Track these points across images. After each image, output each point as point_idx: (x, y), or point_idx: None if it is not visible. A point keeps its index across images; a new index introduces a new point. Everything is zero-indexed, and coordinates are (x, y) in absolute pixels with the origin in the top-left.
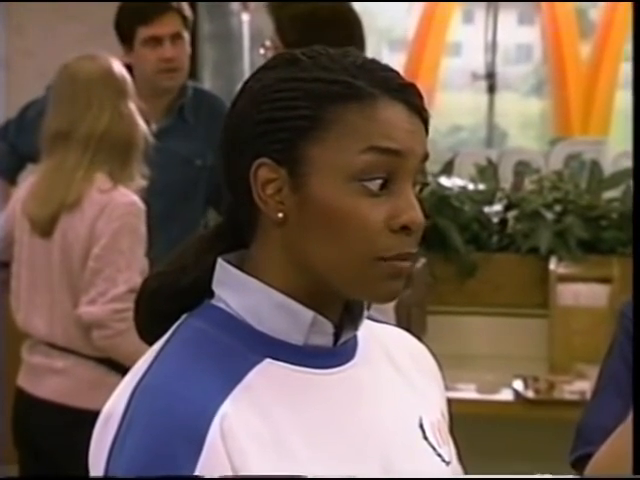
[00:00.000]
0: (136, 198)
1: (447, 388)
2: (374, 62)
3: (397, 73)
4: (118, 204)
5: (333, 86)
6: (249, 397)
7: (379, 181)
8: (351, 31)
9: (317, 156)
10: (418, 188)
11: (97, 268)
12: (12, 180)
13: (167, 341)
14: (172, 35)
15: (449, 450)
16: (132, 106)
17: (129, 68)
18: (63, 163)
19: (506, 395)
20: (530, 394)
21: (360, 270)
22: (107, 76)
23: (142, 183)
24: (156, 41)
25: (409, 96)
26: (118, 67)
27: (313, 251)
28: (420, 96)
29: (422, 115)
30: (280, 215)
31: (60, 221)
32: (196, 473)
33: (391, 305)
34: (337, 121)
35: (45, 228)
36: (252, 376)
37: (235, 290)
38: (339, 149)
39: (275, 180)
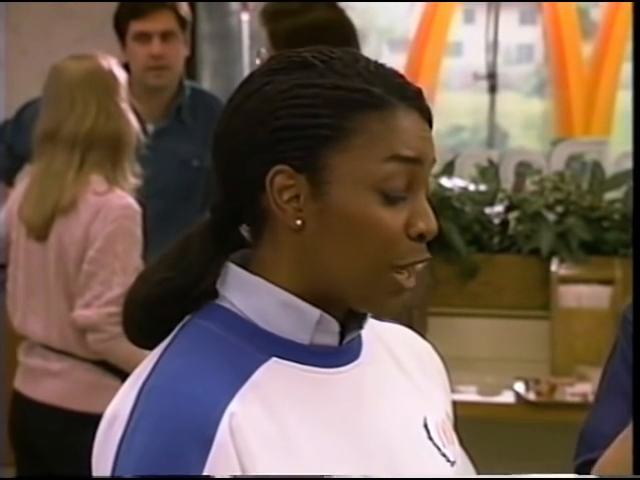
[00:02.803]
0: (132, 200)
1: None
2: (382, 66)
3: (405, 78)
4: (113, 207)
5: (353, 94)
6: (256, 396)
7: (399, 189)
8: (347, 38)
9: (339, 165)
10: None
11: (92, 271)
12: (9, 181)
13: (172, 341)
14: (163, 32)
15: (454, 450)
16: (123, 104)
17: (127, 68)
18: (51, 165)
19: (507, 397)
20: (531, 396)
21: (374, 278)
22: (92, 75)
23: (136, 182)
24: (146, 37)
25: (422, 103)
26: (107, 65)
27: (330, 258)
28: (426, 101)
29: (430, 120)
30: (298, 222)
31: (55, 224)
32: (205, 471)
33: None
34: (359, 130)
35: (40, 232)
36: (259, 375)
37: (240, 290)
38: (362, 158)
39: (292, 187)
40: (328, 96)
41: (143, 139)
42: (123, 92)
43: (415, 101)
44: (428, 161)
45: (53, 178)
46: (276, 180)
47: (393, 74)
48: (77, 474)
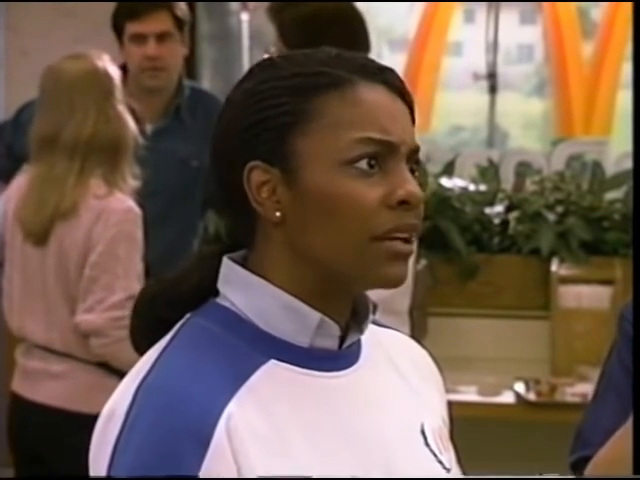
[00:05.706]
0: (132, 204)
1: (448, 391)
2: (350, 53)
3: (372, 59)
4: (114, 211)
5: (312, 78)
6: (254, 398)
7: (370, 161)
8: (354, 29)
9: (305, 149)
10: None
11: (94, 276)
12: (9, 181)
13: (171, 339)
14: (159, 34)
15: (450, 457)
16: (120, 106)
17: (126, 68)
18: (51, 170)
19: (507, 398)
20: (532, 397)
21: (360, 252)
22: (91, 76)
23: (135, 184)
24: (141, 38)
25: (388, 78)
26: (104, 66)
27: (314, 242)
28: (400, 80)
29: (405, 98)
30: (278, 214)
31: (55, 229)
32: (201, 472)
33: (405, 309)
34: (319, 111)
35: (39, 236)
36: (257, 377)
37: (242, 290)
38: (325, 139)
39: (268, 182)
40: (287, 85)
41: (141, 140)
42: (119, 93)
43: (378, 75)
44: (399, 136)
45: (53, 184)
46: (252, 177)
47: (359, 56)
48: (77, 475)
